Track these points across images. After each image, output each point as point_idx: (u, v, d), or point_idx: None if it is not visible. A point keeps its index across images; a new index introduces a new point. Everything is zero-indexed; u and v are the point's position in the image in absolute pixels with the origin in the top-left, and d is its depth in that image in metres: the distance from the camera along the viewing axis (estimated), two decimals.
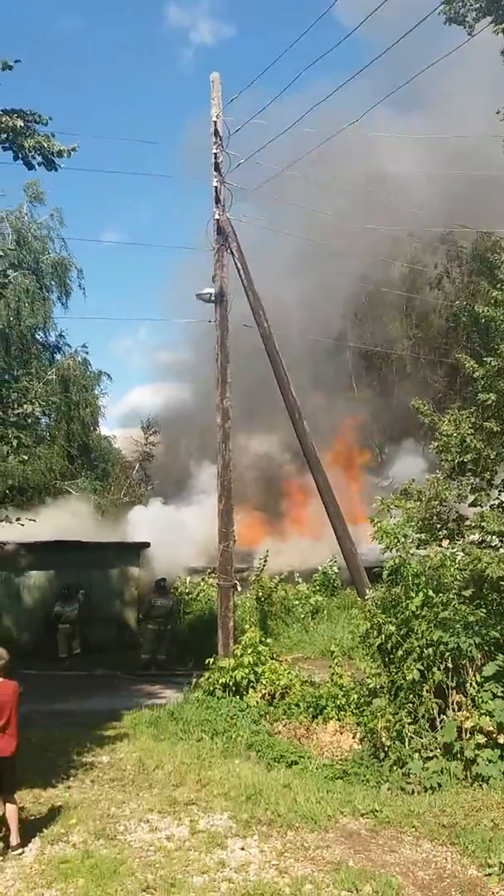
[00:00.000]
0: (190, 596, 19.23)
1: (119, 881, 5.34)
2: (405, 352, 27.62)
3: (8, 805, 6.12)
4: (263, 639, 11.95)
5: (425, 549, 10.22)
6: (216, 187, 12.10)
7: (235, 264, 11.87)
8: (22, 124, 7.36)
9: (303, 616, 19.26)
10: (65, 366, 24.85)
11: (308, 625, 18.97)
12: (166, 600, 16.57)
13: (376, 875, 5.45)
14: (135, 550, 18.77)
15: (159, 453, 31.88)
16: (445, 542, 10.55)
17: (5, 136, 7.44)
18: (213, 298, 12.05)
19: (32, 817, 6.70)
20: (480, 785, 7.51)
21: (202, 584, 19.66)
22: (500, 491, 10.22)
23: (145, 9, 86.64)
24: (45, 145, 7.54)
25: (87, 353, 25.94)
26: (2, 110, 7.40)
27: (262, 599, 18.65)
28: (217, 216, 12.07)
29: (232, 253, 11.85)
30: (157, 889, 5.23)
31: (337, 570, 21.03)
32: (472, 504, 10.41)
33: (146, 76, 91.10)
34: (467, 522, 10.43)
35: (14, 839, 6.00)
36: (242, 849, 6.07)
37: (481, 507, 10.14)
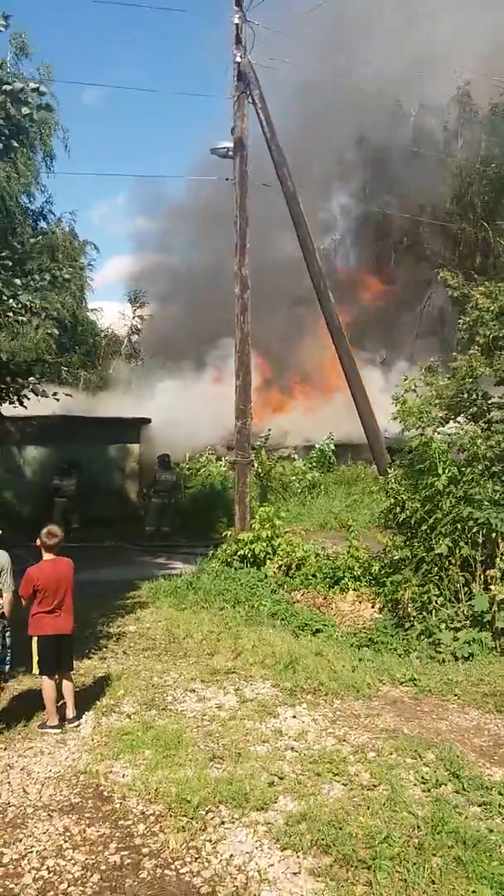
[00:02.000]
0: (191, 472, 19.20)
1: (184, 751, 5.40)
2: (409, 216, 26.36)
3: (65, 681, 6.13)
4: (278, 513, 11.93)
5: (444, 426, 10.09)
6: (237, 25, 10.81)
7: (257, 114, 10.81)
8: None
9: (300, 491, 19.45)
10: (51, 234, 23.37)
11: (305, 499, 19.20)
12: (170, 475, 16.52)
13: (435, 742, 5.58)
14: (134, 426, 18.47)
15: (148, 326, 30.78)
16: (461, 419, 10.42)
17: None
18: (230, 153, 11.07)
19: (78, 689, 6.74)
20: None
21: (203, 459, 19.61)
22: None
23: None
24: None
25: (74, 221, 24.43)
26: None
27: (262, 476, 18.68)
28: (238, 59, 10.85)
29: (254, 101, 10.77)
30: (224, 759, 5.30)
31: (334, 448, 21.13)
32: (500, 382, 10.18)
33: None
34: (492, 401, 10.25)
35: (70, 712, 6.05)
36: (294, 717, 6.17)
37: None
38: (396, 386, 10.20)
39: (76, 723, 6.02)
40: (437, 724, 6.04)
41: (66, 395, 9.19)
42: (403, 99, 26.16)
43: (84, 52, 64.74)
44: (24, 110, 6.87)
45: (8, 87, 6.65)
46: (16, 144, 7.07)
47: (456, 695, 6.72)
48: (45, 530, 6.15)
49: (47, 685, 5.99)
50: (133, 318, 31.68)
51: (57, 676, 6.06)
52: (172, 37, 75.47)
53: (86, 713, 6.22)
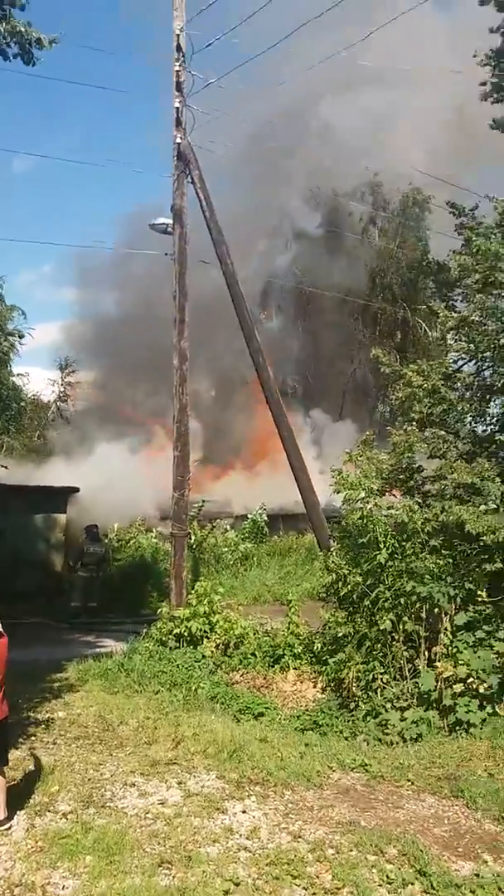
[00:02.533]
0: (120, 543, 18.65)
1: (129, 856, 4.94)
2: (328, 293, 27.38)
3: None
4: (216, 588, 11.61)
5: (379, 498, 10.15)
6: (177, 108, 11.11)
7: (196, 193, 11.02)
8: None
9: (232, 563, 19.18)
10: None
11: (238, 571, 18.91)
12: (99, 547, 15.98)
13: (395, 835, 5.31)
14: (63, 495, 17.86)
15: (80, 393, 30.34)
16: (397, 493, 10.53)
17: None
18: (168, 229, 11.20)
19: (7, 784, 6.16)
20: (460, 733, 7.55)
21: (133, 530, 19.12)
22: (464, 443, 10.20)
23: None
24: (23, 31, 6.51)
25: (1, 284, 24.05)
26: None
27: (194, 548, 18.33)
28: (178, 140, 11.11)
29: (193, 181, 10.99)
30: (173, 863, 4.88)
31: (266, 519, 21.04)
32: (433, 455, 10.36)
33: None
34: (424, 473, 10.40)
35: (1, 812, 5.48)
36: (244, 811, 5.80)
37: (444, 459, 10.08)
38: (333, 463, 10.23)
39: (7, 824, 5.45)
40: (394, 814, 5.78)
41: (2, 466, 8.79)
42: (321, 183, 27.49)
43: (16, 122, 65.61)
44: None
45: None
46: None
47: (409, 780, 6.49)
48: None
49: None
50: (62, 384, 31.21)
51: None
52: (112, 113, 77.87)
53: (17, 813, 5.65)
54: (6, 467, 9.59)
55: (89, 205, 76.96)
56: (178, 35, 11.14)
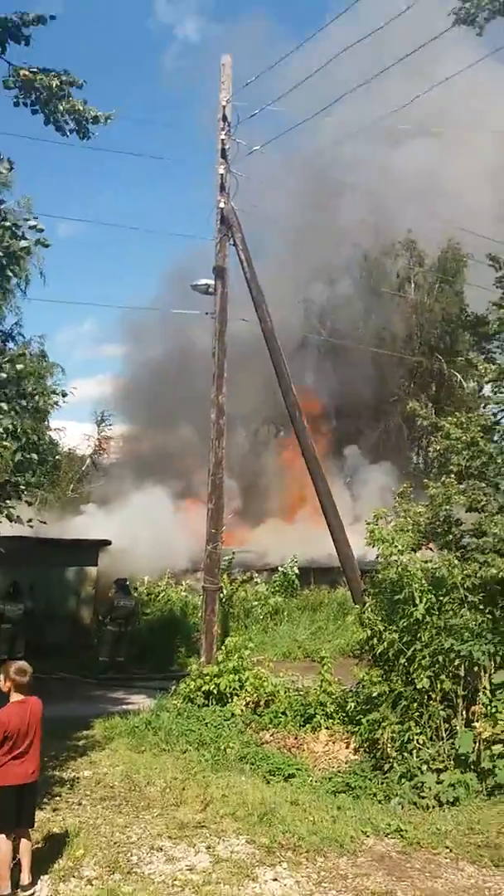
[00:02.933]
0: (150, 597, 18.50)
1: None
2: (363, 346, 27.66)
3: (23, 840, 5.40)
4: (246, 643, 11.38)
5: (415, 553, 9.95)
6: (222, 175, 11.48)
7: (238, 256, 11.30)
8: (58, 84, 6.62)
9: (262, 617, 18.86)
10: (18, 357, 23.39)
11: (268, 626, 18.58)
12: (128, 601, 15.81)
13: None
14: (93, 548, 17.86)
15: (117, 447, 30.74)
16: (434, 547, 10.33)
17: (37, 96, 6.68)
18: (210, 290, 11.46)
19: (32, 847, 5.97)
20: (500, 797, 7.20)
21: (163, 584, 18.98)
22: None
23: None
24: (81, 109, 6.81)
25: (42, 343, 24.64)
26: (38, 68, 6.63)
27: (224, 601, 18.08)
28: (222, 204, 11.45)
29: (235, 244, 11.27)
30: None
31: (297, 572, 20.74)
32: (471, 509, 10.17)
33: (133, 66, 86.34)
34: (462, 526, 10.20)
35: (26, 877, 5.29)
36: (275, 879, 5.54)
37: (483, 512, 9.88)
38: (367, 512, 10.11)
39: (31, 890, 5.26)
40: (431, 884, 5.47)
41: (41, 521, 8.86)
42: (362, 241, 28.02)
43: (61, 187, 68.33)
44: (23, 243, 6.99)
45: (6, 224, 6.81)
46: (10, 274, 7.16)
47: (448, 847, 6.16)
48: (13, 667, 5.61)
49: (2, 844, 5.26)
50: (97, 438, 31.66)
51: (14, 834, 5.35)
52: (153, 179, 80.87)
53: (41, 878, 5.46)
54: (44, 522, 9.61)
55: (132, 266, 79.35)
56: (223, 106, 11.60)
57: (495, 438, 10.32)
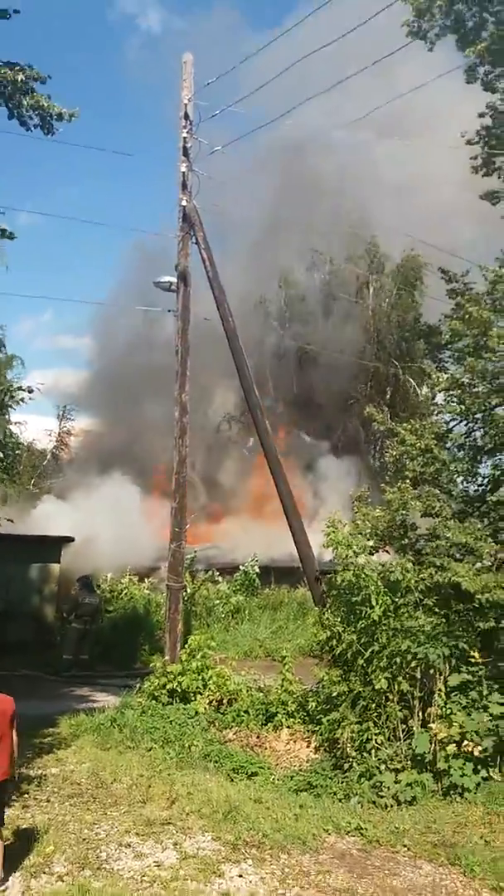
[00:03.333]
0: (112, 594, 18.59)
1: None
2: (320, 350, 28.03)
3: None
4: (209, 642, 11.59)
5: (372, 556, 10.27)
6: (184, 173, 11.60)
7: (201, 254, 11.43)
8: (22, 79, 6.70)
9: (223, 616, 19.08)
10: None
11: (229, 624, 18.81)
12: (93, 598, 15.88)
13: None
14: (56, 545, 17.86)
15: (78, 441, 30.56)
16: (390, 550, 10.66)
17: (1, 90, 6.74)
18: (173, 287, 11.57)
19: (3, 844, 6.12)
20: (455, 797, 7.55)
21: (126, 581, 19.07)
22: (457, 502, 10.39)
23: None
24: (45, 105, 6.90)
25: (2, 333, 24.37)
26: (2, 62, 6.70)
27: (186, 599, 18.28)
28: (184, 203, 11.57)
29: (198, 242, 11.40)
30: None
31: (258, 571, 21.03)
32: (426, 514, 10.52)
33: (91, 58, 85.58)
34: (417, 531, 10.54)
35: None
36: (241, 876, 5.79)
37: (437, 517, 10.24)
38: (327, 518, 10.37)
39: (2, 886, 5.42)
40: (391, 881, 5.78)
41: (8, 520, 8.92)
42: (321, 246, 28.36)
43: (18, 177, 67.32)
44: None
45: None
46: None
47: (405, 846, 6.48)
48: None
49: None
50: (59, 432, 31.44)
51: None
52: (118, 174, 79.93)
53: (12, 874, 5.63)
54: (11, 521, 9.66)
55: (92, 259, 78.55)
56: (185, 104, 11.72)
57: (448, 446, 10.66)
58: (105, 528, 19.01)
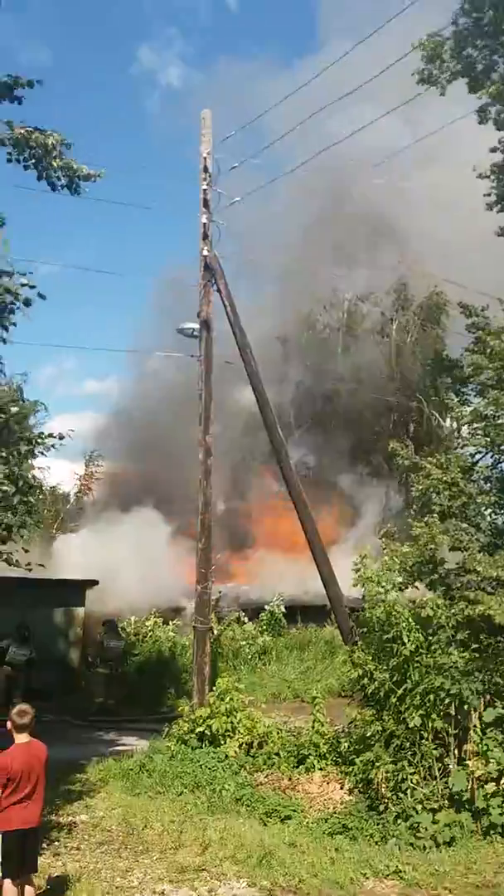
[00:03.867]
0: (137, 636, 18.48)
1: None
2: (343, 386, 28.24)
3: (27, 886, 5.47)
4: (237, 685, 11.45)
5: (401, 591, 10.17)
6: (204, 224, 11.90)
7: (222, 301, 11.64)
8: (52, 143, 7.00)
9: (250, 657, 18.86)
10: (9, 402, 23.60)
11: (256, 666, 18.59)
12: (118, 641, 15.82)
13: None
14: (80, 588, 17.85)
15: (104, 483, 30.77)
16: (420, 585, 10.55)
17: (31, 153, 7.06)
18: (195, 333, 11.79)
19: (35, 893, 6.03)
20: (495, 837, 7.35)
21: (150, 624, 18.97)
22: (485, 535, 10.30)
23: (116, 47, 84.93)
24: (74, 167, 7.21)
25: (24, 380, 24.86)
26: (33, 127, 7.03)
27: (212, 641, 18.11)
28: (205, 252, 11.84)
29: (219, 290, 11.64)
30: None
31: (284, 610, 20.82)
32: (454, 548, 10.44)
33: (113, 112, 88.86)
34: (446, 566, 10.44)
35: None
36: None
37: (466, 551, 10.15)
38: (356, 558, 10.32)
39: None
40: None
41: (39, 565, 8.97)
42: (342, 287, 28.82)
43: (38, 231, 69.32)
44: (12, 286, 7.29)
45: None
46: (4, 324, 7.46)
47: (447, 888, 6.30)
48: (15, 709, 5.75)
49: (7, 890, 5.34)
50: (82, 475, 31.69)
51: (19, 880, 5.42)
52: (138, 227, 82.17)
53: None
54: (42, 566, 9.69)
55: (115, 308, 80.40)
56: (205, 157, 12.07)
57: (474, 478, 10.62)
58: (129, 568, 18.99)
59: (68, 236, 78.59)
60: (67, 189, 7.42)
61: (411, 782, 8.28)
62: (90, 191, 7.63)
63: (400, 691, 8.85)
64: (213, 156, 12.06)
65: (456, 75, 11.22)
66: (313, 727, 10.49)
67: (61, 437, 8.41)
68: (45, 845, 7.24)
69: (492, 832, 7.44)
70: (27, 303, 7.50)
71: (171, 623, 19.63)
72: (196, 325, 11.76)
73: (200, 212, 12.01)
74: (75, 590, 17.85)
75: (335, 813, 8.83)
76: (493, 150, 11.15)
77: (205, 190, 11.95)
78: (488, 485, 10.42)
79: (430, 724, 8.49)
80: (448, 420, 24.78)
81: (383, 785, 8.48)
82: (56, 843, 7.44)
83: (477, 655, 8.98)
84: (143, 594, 19.29)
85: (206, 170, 12.00)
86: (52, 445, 8.96)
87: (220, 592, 19.91)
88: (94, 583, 17.96)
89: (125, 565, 19.19)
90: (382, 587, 9.73)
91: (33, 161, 7.19)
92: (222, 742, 10.60)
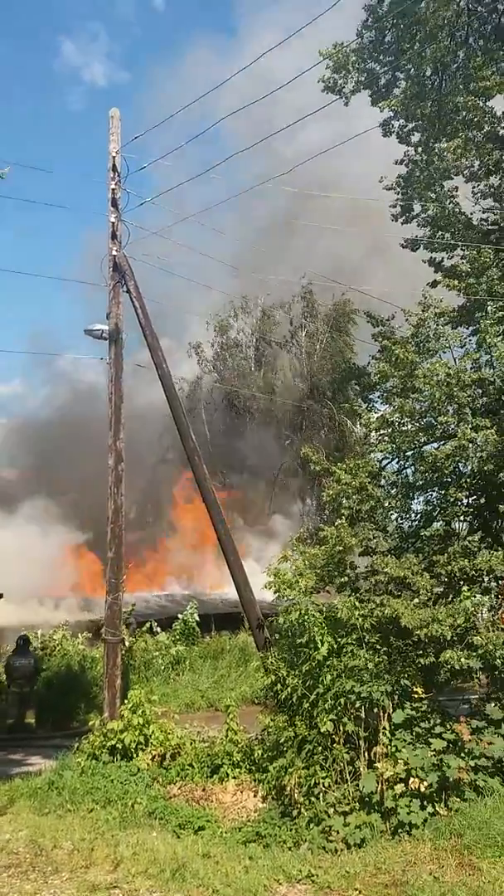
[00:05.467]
0: (45, 650, 17.94)
1: None
2: (256, 392, 28.47)
3: None
4: (149, 696, 11.27)
5: (315, 595, 10.29)
6: (113, 223, 11.72)
7: (132, 303, 11.49)
8: None
9: (163, 668, 18.66)
10: None
11: (169, 676, 18.40)
12: (27, 659, 15.27)
13: None
14: None
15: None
16: (330, 589, 10.72)
17: None
18: (105, 336, 11.57)
19: None
20: (403, 836, 7.47)
21: (58, 637, 18.46)
22: (392, 538, 10.56)
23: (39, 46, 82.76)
24: None
25: None
26: None
27: (124, 653, 17.80)
28: (114, 252, 11.66)
29: (129, 291, 11.47)
30: None
31: (197, 619, 20.71)
32: (364, 553, 10.66)
33: (35, 107, 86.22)
34: (357, 570, 10.65)
35: None
36: None
37: (374, 554, 10.37)
38: (271, 560, 10.39)
39: None
40: None
41: None
42: (250, 293, 29.09)
43: None
44: None
45: None
46: None
47: (357, 889, 6.34)
48: None
49: None
50: None
51: None
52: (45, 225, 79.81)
53: None
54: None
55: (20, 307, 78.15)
56: (113, 157, 11.91)
57: (381, 483, 10.89)
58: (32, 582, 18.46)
59: None
60: None
61: (323, 786, 8.35)
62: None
63: (312, 696, 8.93)
64: (121, 155, 11.91)
65: (359, 86, 11.56)
66: (227, 736, 10.46)
67: None
68: None
69: (400, 831, 7.54)
70: None
71: (80, 636, 19.18)
72: (104, 327, 11.54)
73: (109, 211, 11.85)
74: None
75: (249, 821, 8.81)
76: (398, 162, 11.53)
77: (113, 189, 11.78)
78: (394, 489, 10.70)
79: (342, 728, 8.59)
80: (357, 425, 25.40)
81: (296, 790, 8.51)
82: None
83: (386, 658, 9.18)
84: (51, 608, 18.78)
85: (114, 169, 11.84)
86: None
87: (132, 605, 19.62)
88: None
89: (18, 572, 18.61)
90: (297, 591, 9.78)
91: None
92: (135, 755, 10.41)
